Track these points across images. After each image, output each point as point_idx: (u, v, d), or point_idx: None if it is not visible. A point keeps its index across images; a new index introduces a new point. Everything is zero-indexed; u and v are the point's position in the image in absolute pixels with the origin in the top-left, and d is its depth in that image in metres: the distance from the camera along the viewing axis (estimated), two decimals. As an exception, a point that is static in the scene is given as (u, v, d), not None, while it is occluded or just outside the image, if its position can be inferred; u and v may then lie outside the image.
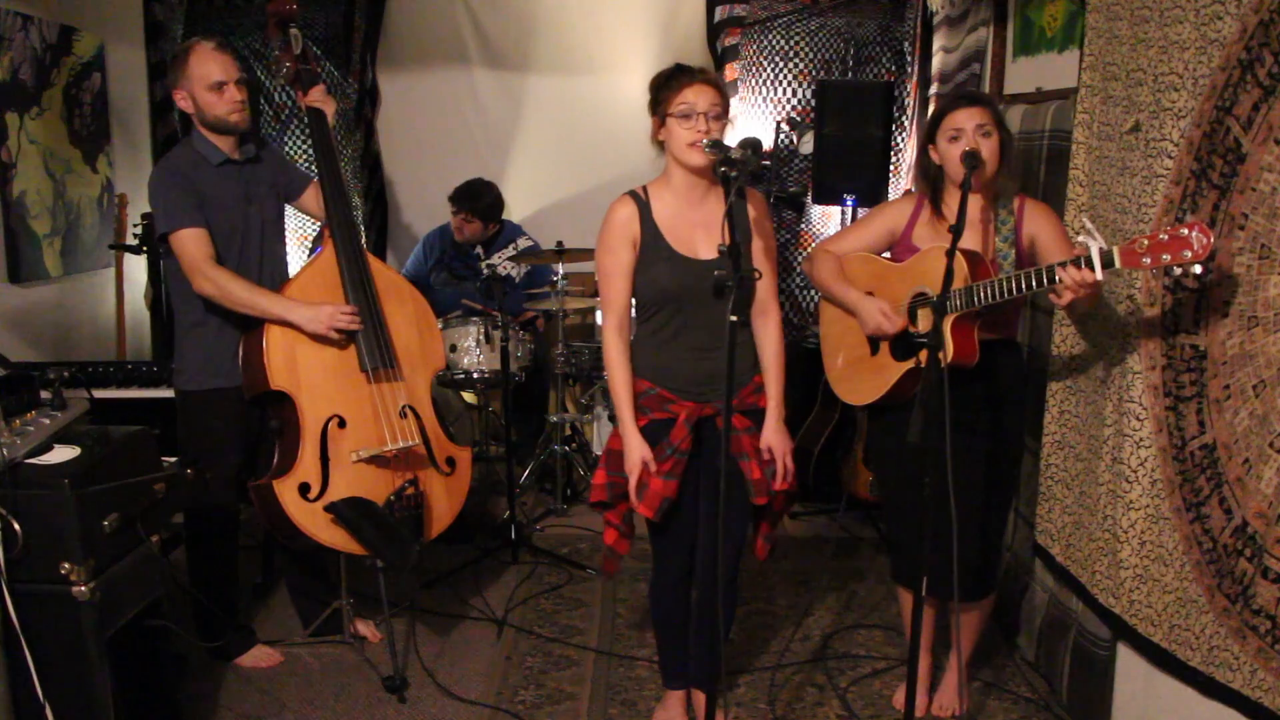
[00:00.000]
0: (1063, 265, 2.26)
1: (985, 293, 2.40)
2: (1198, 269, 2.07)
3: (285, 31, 3.05)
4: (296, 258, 5.19)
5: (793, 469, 2.54)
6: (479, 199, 4.68)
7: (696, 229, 2.47)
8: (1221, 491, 2.16)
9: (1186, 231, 2.06)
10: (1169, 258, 2.09)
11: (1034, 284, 2.34)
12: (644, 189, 2.51)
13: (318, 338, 2.85)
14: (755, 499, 2.53)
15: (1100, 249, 2.21)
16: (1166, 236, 2.09)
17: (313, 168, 3.19)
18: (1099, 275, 2.22)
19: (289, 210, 3.24)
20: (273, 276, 3.02)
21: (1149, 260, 2.12)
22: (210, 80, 2.83)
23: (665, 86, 2.41)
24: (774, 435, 2.52)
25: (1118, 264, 2.19)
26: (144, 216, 4.39)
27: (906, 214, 2.73)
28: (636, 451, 2.46)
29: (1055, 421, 2.86)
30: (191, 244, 2.79)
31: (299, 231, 5.20)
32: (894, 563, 2.93)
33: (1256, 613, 2.05)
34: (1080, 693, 2.76)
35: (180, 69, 2.85)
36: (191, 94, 2.84)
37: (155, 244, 2.97)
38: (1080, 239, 2.25)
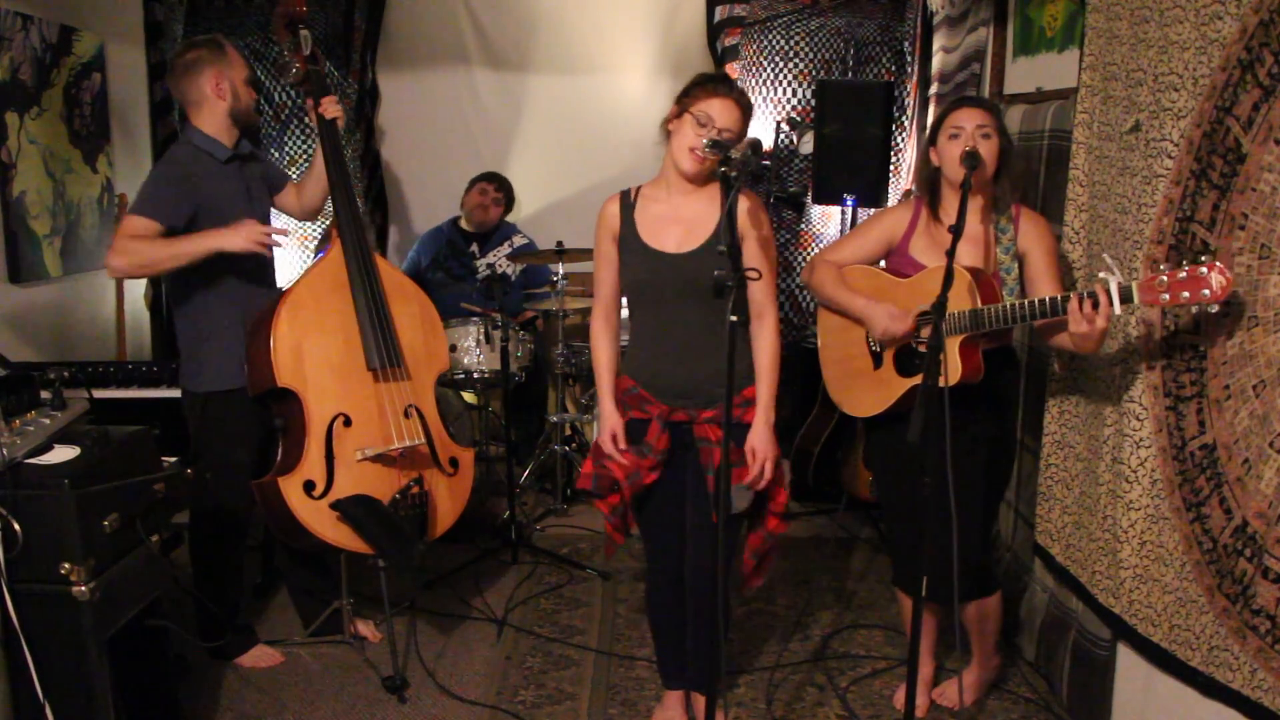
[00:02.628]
0: (1079, 297, 2.27)
1: (992, 317, 2.42)
2: (1214, 308, 2.08)
3: (295, 32, 3.05)
4: (299, 259, 5.20)
5: (769, 477, 2.48)
6: (505, 181, 4.78)
7: (672, 225, 2.50)
8: (1221, 491, 2.16)
9: (1206, 271, 2.07)
10: (1188, 295, 2.10)
11: (1044, 312, 2.35)
12: (637, 187, 2.57)
13: (324, 331, 2.86)
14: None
15: (1119, 283, 2.21)
16: (1186, 275, 2.10)
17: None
18: (1117, 309, 2.22)
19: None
20: (269, 272, 3.06)
21: (1168, 297, 2.14)
22: (246, 74, 2.94)
23: (700, 85, 2.43)
24: (757, 438, 2.47)
25: (1136, 300, 2.20)
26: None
27: (904, 222, 2.72)
28: (608, 420, 2.56)
29: (1055, 421, 2.86)
30: (134, 226, 2.74)
31: (300, 232, 5.19)
32: (895, 568, 2.93)
33: (1256, 613, 2.05)
34: (1080, 693, 2.76)
35: (220, 59, 2.88)
36: (233, 83, 2.89)
37: None
38: (1101, 275, 2.25)
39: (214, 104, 2.88)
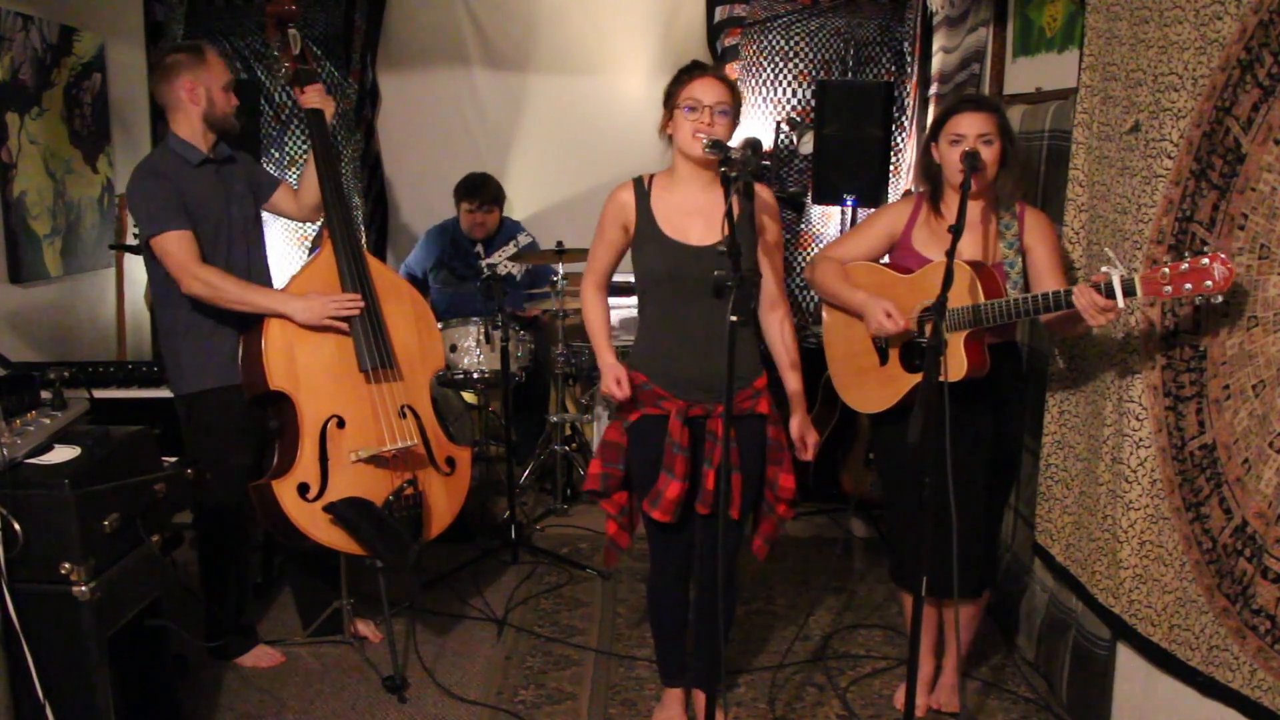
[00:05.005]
0: (1085, 291, 2.27)
1: (995, 313, 2.43)
2: (1219, 299, 2.08)
3: (284, 32, 3.06)
4: (296, 258, 5.19)
5: (812, 457, 2.61)
6: (488, 187, 4.74)
7: (692, 217, 2.49)
8: (1221, 491, 2.16)
9: (1208, 262, 2.07)
10: (1190, 287, 2.10)
11: (1049, 306, 2.35)
12: (649, 177, 2.57)
13: (316, 333, 2.85)
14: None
15: (1121, 276, 2.22)
16: (1188, 266, 2.10)
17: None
18: (1120, 303, 2.22)
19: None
20: (259, 276, 3.03)
21: (1170, 289, 2.14)
22: (225, 80, 2.93)
23: (677, 80, 2.48)
24: (805, 427, 2.60)
25: (1139, 293, 2.20)
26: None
27: (905, 216, 2.73)
28: (610, 370, 2.55)
29: (1055, 421, 2.86)
30: (176, 245, 2.79)
31: (299, 232, 5.19)
32: (895, 564, 2.93)
33: (1256, 613, 2.05)
34: (1080, 693, 2.76)
35: (197, 64, 2.88)
36: (208, 88, 2.88)
37: (141, 250, 2.93)
38: (1103, 268, 2.26)
39: (188, 109, 2.88)
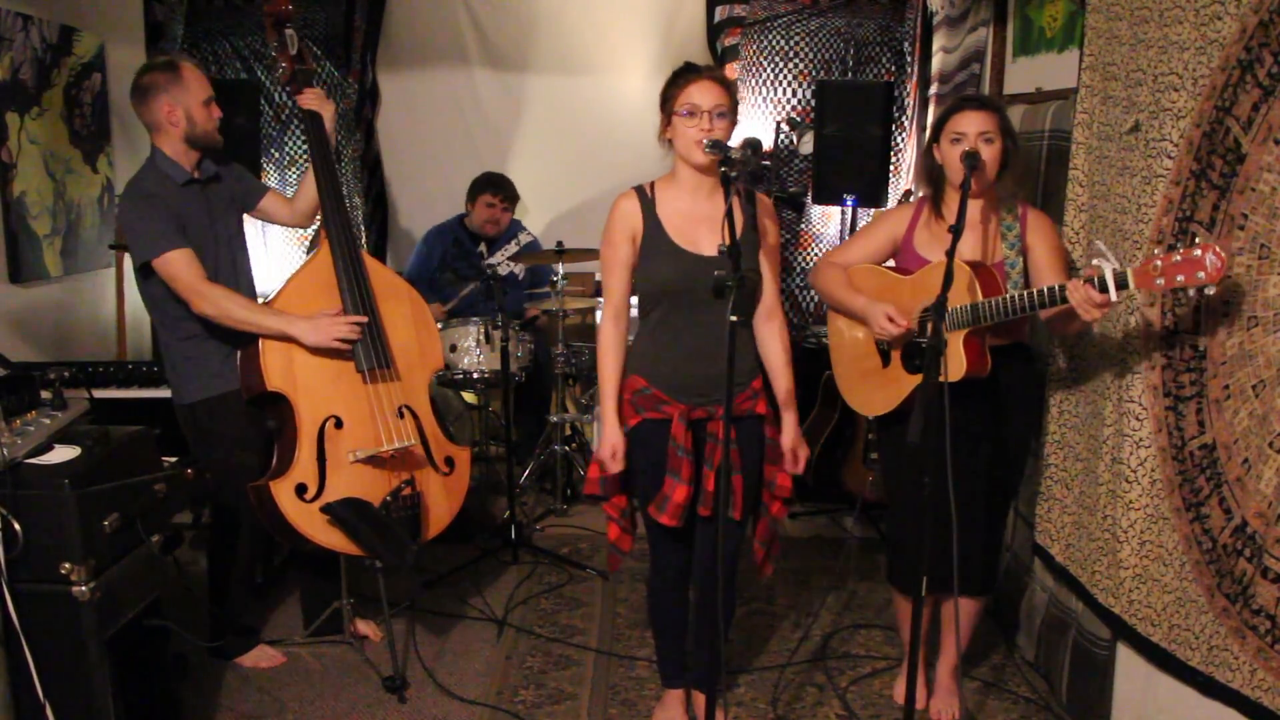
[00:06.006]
0: (1079, 285, 2.26)
1: (992, 310, 2.42)
2: (1211, 289, 2.08)
3: (281, 32, 3.05)
4: (294, 258, 5.20)
5: (801, 469, 2.60)
6: (507, 184, 4.75)
7: (700, 225, 2.47)
8: (1221, 491, 2.16)
9: (1200, 253, 2.06)
10: (1183, 278, 2.09)
11: (1044, 302, 2.35)
12: (651, 185, 2.54)
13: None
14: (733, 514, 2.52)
15: (1114, 270, 2.21)
16: (1180, 258, 2.09)
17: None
18: (1113, 296, 2.22)
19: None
20: (246, 291, 3.00)
21: (1163, 281, 2.13)
22: (205, 95, 2.88)
23: (673, 84, 2.44)
24: (796, 439, 2.59)
25: (1132, 286, 2.20)
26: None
27: (906, 219, 2.74)
28: (610, 438, 2.51)
29: (1055, 421, 2.86)
30: (181, 266, 2.76)
31: (298, 232, 5.19)
32: (891, 565, 2.92)
33: (1256, 612, 2.05)
34: (1080, 693, 2.76)
35: (174, 83, 2.82)
36: (187, 108, 2.84)
37: (135, 270, 2.88)
38: (1095, 261, 2.25)
39: (168, 129, 2.84)
